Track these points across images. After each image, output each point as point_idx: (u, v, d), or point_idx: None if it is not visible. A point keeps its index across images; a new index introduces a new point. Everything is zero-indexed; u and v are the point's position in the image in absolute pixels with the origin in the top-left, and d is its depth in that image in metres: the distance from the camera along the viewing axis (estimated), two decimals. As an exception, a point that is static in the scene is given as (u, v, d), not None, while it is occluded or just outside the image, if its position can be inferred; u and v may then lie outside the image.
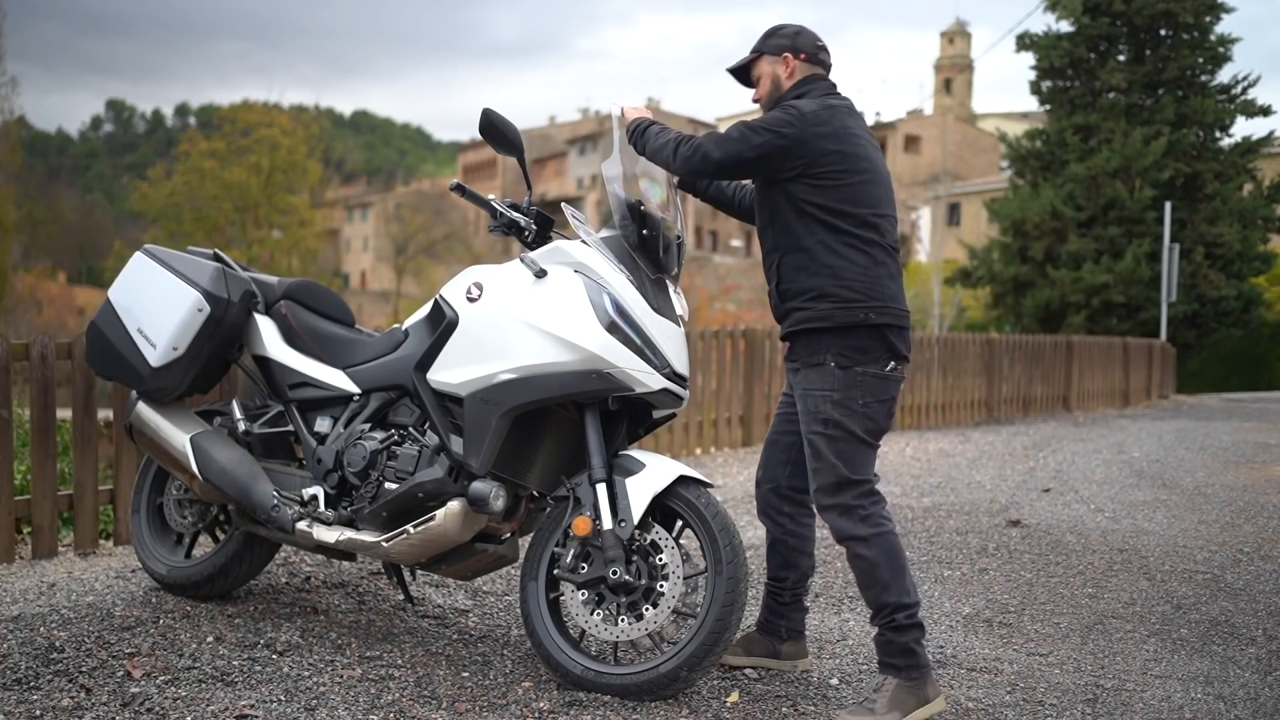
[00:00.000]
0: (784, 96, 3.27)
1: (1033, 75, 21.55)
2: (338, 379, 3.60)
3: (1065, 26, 20.98)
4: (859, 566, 3.12)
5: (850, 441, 3.11)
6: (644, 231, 3.22)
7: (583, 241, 3.28)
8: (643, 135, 3.28)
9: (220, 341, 3.69)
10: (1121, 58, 20.93)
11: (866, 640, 3.83)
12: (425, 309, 3.50)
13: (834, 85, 3.33)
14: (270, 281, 3.83)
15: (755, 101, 3.40)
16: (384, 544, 3.32)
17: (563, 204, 3.60)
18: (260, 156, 38.00)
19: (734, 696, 3.23)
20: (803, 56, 3.31)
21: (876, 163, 3.20)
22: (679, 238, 3.33)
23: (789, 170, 3.11)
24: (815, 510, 3.25)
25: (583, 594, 3.15)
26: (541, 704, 3.09)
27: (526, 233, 3.39)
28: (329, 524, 3.46)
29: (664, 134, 3.24)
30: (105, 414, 5.36)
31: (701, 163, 3.13)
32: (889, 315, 3.10)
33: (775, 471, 3.42)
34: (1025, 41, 21.35)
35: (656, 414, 3.34)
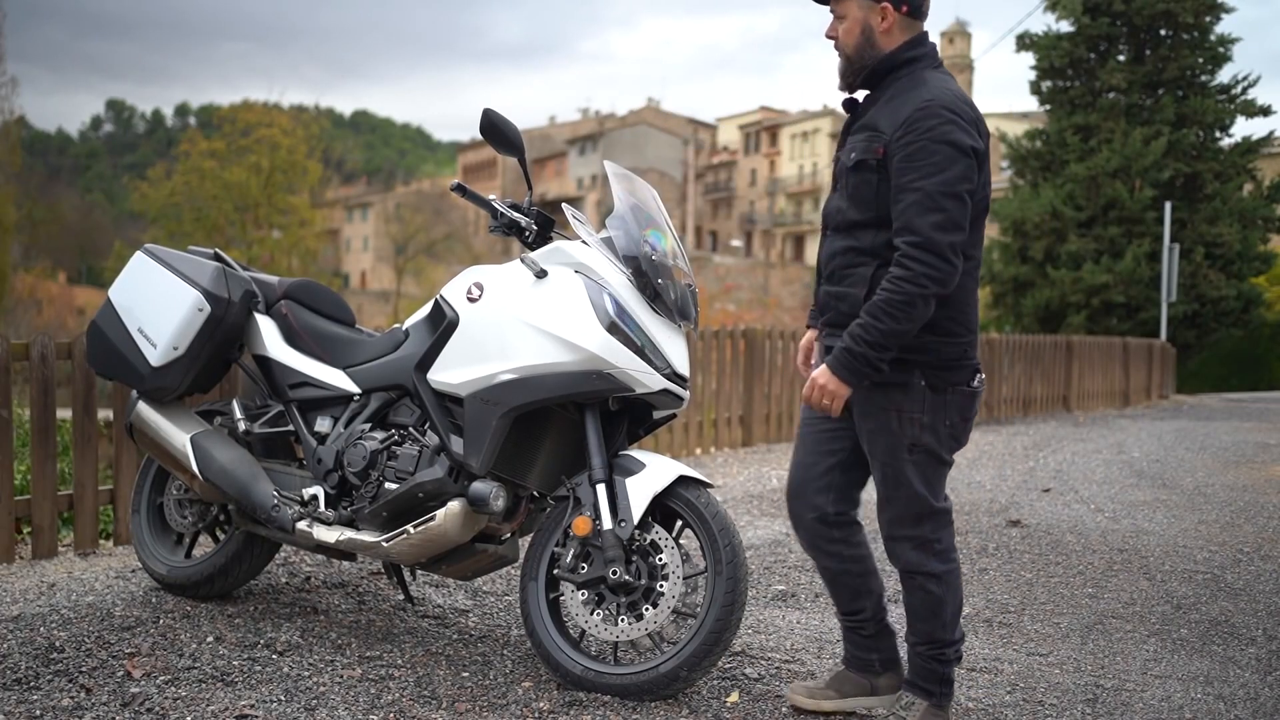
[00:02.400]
0: (881, 60, 2.77)
1: (1033, 75, 21.54)
2: (338, 379, 3.60)
3: (1065, 26, 20.95)
4: (922, 600, 2.90)
5: (937, 466, 2.84)
6: (658, 280, 3.22)
7: (583, 242, 3.28)
8: (876, 346, 2.65)
9: (221, 341, 3.70)
10: (1121, 58, 20.91)
11: None
12: (426, 309, 3.50)
13: (935, 49, 2.83)
14: (271, 281, 3.84)
15: (830, 38, 2.86)
16: (384, 544, 3.32)
17: (563, 204, 3.60)
18: (260, 156, 38.01)
19: (734, 696, 3.23)
20: (905, 9, 2.75)
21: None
22: (690, 285, 3.33)
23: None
24: (884, 538, 2.98)
25: (583, 594, 3.15)
26: (541, 704, 3.09)
27: (527, 233, 3.39)
28: (329, 524, 3.46)
29: (882, 312, 2.63)
30: (105, 414, 5.36)
31: (948, 266, 2.61)
32: (976, 347, 2.85)
33: (818, 499, 3.00)
34: (1025, 41, 21.33)
35: (657, 414, 3.34)
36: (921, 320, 2.64)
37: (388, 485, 3.36)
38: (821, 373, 2.74)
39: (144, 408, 3.79)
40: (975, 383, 2.82)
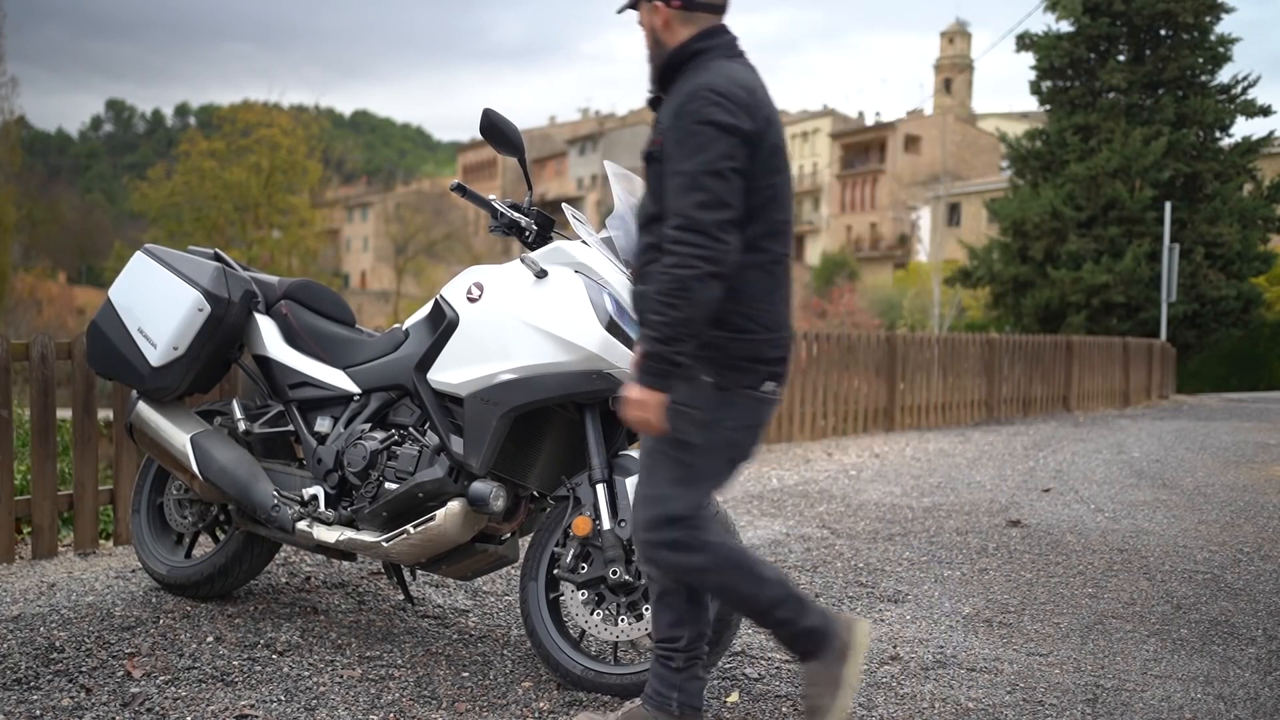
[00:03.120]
0: (669, 56, 2.72)
1: (1033, 75, 21.56)
2: (338, 379, 3.60)
3: (1065, 26, 20.98)
4: (717, 595, 2.77)
5: (705, 470, 2.68)
6: None
7: (583, 242, 3.28)
8: (666, 340, 2.53)
9: (221, 341, 3.70)
10: (1121, 58, 20.93)
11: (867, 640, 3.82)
12: (425, 309, 3.50)
13: (734, 40, 2.74)
14: (271, 281, 3.84)
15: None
16: (384, 544, 3.32)
17: (563, 204, 3.61)
18: (260, 156, 37.99)
19: (734, 696, 3.23)
20: (676, 3, 2.70)
21: (788, 156, 2.72)
22: None
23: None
24: (636, 542, 2.78)
25: (583, 594, 3.15)
26: (541, 704, 3.09)
27: (527, 233, 3.39)
28: (329, 524, 3.47)
29: (661, 303, 2.53)
30: (105, 414, 5.36)
31: (719, 244, 2.51)
32: (781, 347, 2.70)
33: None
34: (1025, 41, 21.35)
35: (657, 414, 3.34)
36: (706, 304, 2.53)
37: (388, 485, 3.36)
38: (628, 387, 2.61)
39: (144, 408, 3.80)
40: (765, 388, 2.68)
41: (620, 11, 2.85)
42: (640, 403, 2.58)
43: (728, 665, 3.48)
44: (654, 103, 2.83)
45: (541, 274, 3.21)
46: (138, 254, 3.84)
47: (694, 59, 2.70)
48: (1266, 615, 4.34)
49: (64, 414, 4.84)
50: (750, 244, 2.62)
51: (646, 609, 3.10)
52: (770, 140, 2.62)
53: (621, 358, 3.09)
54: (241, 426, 3.77)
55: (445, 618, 3.90)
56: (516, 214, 3.39)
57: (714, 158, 2.53)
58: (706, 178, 2.53)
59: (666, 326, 2.53)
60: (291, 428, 3.70)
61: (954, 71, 62.49)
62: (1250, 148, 20.47)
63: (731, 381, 2.64)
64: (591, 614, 3.14)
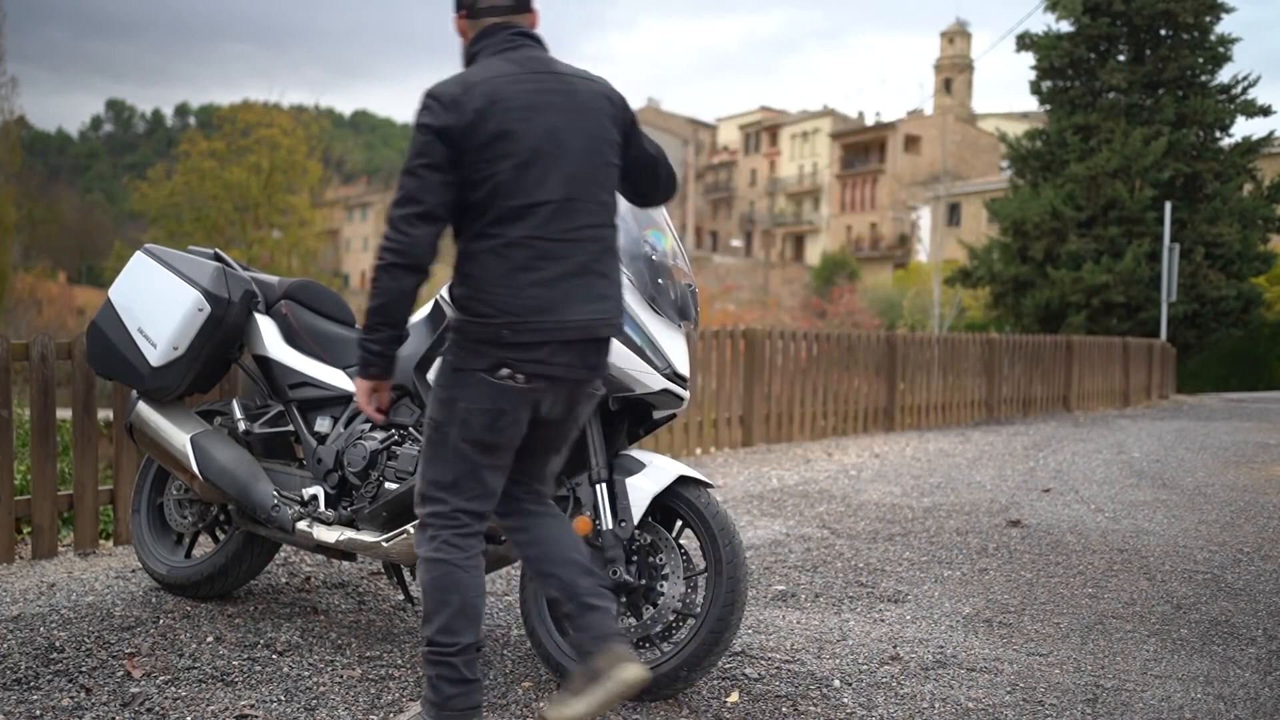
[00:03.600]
0: (464, 60, 2.86)
1: (1033, 75, 21.56)
2: (338, 379, 3.60)
3: (1065, 26, 20.97)
4: (421, 585, 2.80)
5: (443, 448, 2.73)
6: (658, 280, 3.21)
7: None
8: (366, 328, 2.73)
9: (221, 341, 3.70)
10: (1121, 58, 20.93)
11: (867, 640, 3.83)
12: (425, 309, 3.50)
13: (505, 36, 2.81)
14: (271, 281, 3.84)
15: None
16: (384, 544, 3.32)
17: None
18: (260, 156, 37.93)
19: (734, 696, 3.23)
20: (463, 14, 2.83)
21: (538, 136, 2.68)
22: (690, 285, 3.32)
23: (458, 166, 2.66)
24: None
25: (583, 594, 3.15)
26: (541, 704, 3.08)
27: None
28: (329, 524, 3.47)
29: (372, 293, 2.69)
30: (105, 414, 5.36)
31: (402, 236, 2.62)
32: (529, 332, 2.65)
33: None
34: (1025, 41, 21.34)
35: (657, 414, 3.34)
36: (392, 293, 2.67)
37: (388, 485, 3.37)
38: (361, 391, 2.82)
39: (144, 408, 3.80)
40: (500, 374, 2.67)
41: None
42: (356, 387, 2.82)
43: (728, 665, 3.49)
44: None
45: (541, 274, 3.20)
46: (138, 254, 3.84)
47: (473, 61, 2.84)
48: (1266, 615, 4.35)
49: (64, 414, 4.84)
50: (480, 232, 2.69)
51: (647, 609, 3.10)
52: (488, 130, 2.65)
53: (622, 358, 3.08)
54: (241, 426, 3.77)
55: (445, 618, 3.89)
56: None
57: (410, 156, 2.68)
58: (403, 175, 2.68)
59: (367, 315, 2.71)
60: (291, 428, 3.70)
61: (954, 71, 62.48)
62: (1250, 148, 20.46)
63: (464, 363, 2.71)
64: (591, 614, 3.14)
